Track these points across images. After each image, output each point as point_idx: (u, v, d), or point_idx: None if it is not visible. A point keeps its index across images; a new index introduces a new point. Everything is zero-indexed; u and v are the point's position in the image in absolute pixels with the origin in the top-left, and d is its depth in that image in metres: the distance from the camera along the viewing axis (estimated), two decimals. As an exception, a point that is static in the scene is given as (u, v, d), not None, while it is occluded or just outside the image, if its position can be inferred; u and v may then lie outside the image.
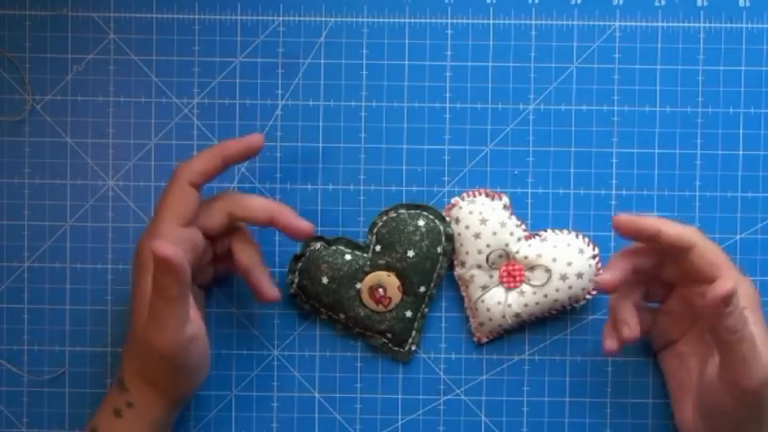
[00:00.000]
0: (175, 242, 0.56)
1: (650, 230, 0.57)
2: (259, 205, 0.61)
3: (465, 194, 0.65)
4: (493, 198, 0.65)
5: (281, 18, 0.66)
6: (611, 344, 0.60)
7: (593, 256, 0.64)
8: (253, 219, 0.61)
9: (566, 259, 0.63)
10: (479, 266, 0.64)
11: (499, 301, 0.64)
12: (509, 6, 0.66)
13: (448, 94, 0.66)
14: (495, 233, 0.64)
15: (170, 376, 0.58)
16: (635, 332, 0.59)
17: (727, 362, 0.54)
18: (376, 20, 0.66)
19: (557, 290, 0.63)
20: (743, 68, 0.66)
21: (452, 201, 0.65)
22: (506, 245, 0.64)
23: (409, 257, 0.64)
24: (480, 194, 0.65)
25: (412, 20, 0.66)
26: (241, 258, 0.61)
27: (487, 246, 0.64)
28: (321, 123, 0.66)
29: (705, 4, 0.66)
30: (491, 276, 0.64)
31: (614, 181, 0.66)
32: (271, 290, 0.62)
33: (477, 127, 0.66)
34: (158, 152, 0.66)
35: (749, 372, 0.53)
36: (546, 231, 0.65)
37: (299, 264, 0.65)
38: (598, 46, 0.66)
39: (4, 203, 0.66)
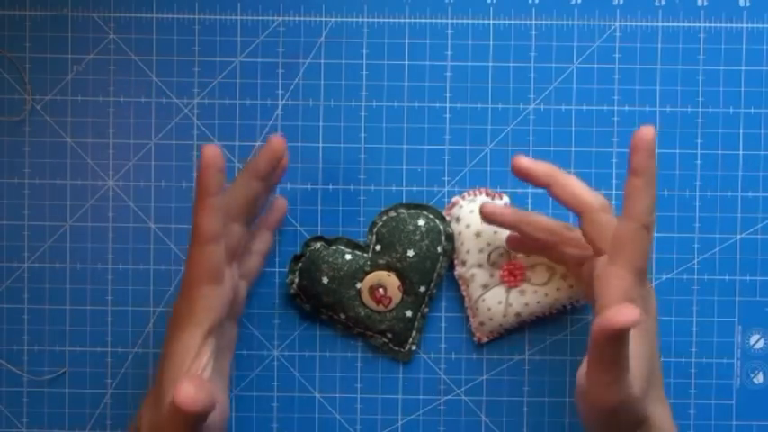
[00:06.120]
0: (213, 304, 0.55)
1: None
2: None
3: (466, 193, 0.65)
4: (493, 197, 0.65)
5: (281, 18, 0.66)
6: None
7: (594, 257, 0.64)
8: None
9: (566, 259, 0.63)
10: (480, 265, 0.64)
11: (500, 300, 0.64)
12: (509, 6, 0.66)
13: (448, 94, 0.66)
14: (495, 232, 0.64)
15: None
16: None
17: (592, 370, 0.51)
18: (376, 20, 0.66)
19: (557, 289, 0.63)
20: (743, 68, 0.66)
21: (453, 200, 0.65)
22: (507, 244, 0.64)
23: (409, 257, 0.64)
24: (481, 194, 0.65)
25: (412, 20, 0.66)
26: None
27: (488, 244, 0.64)
28: (321, 123, 0.66)
29: (705, 4, 0.66)
30: (492, 275, 0.64)
31: (614, 181, 0.66)
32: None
33: (477, 127, 0.66)
34: (158, 152, 0.66)
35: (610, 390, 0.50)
36: (546, 231, 0.65)
37: (299, 264, 0.65)
38: (598, 46, 0.66)
39: (4, 203, 0.66)
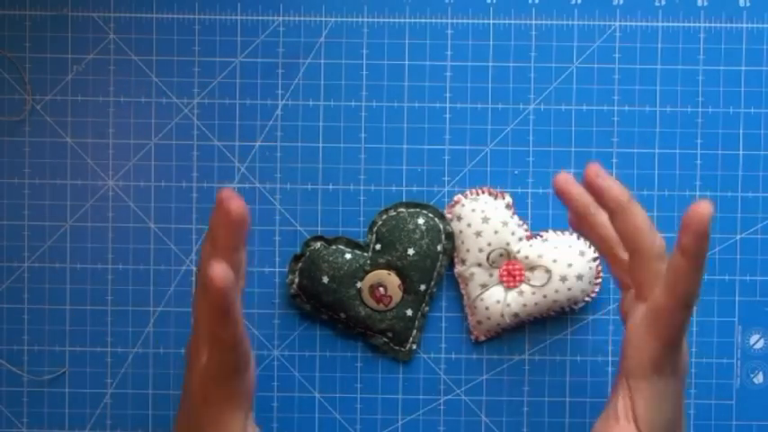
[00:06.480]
0: None
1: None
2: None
3: (468, 192, 0.65)
4: (496, 197, 0.65)
5: (281, 18, 0.66)
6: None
7: (594, 259, 0.64)
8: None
9: (566, 261, 0.63)
10: (480, 265, 0.64)
11: (498, 300, 0.64)
12: (509, 6, 0.66)
13: (448, 94, 0.66)
14: (496, 232, 0.64)
15: None
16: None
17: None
18: (376, 20, 0.66)
19: (556, 291, 0.63)
20: (743, 68, 0.66)
21: (455, 198, 0.65)
22: (507, 244, 0.64)
23: (409, 256, 0.64)
24: (483, 193, 0.65)
25: (412, 20, 0.66)
26: None
27: (488, 244, 0.64)
28: (321, 123, 0.66)
29: (705, 4, 0.66)
30: (491, 275, 0.64)
31: (614, 181, 0.66)
32: None
33: (477, 127, 0.66)
34: (158, 152, 0.66)
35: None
36: (547, 232, 0.65)
37: (300, 264, 0.65)
38: (598, 46, 0.66)
39: (4, 203, 0.66)
